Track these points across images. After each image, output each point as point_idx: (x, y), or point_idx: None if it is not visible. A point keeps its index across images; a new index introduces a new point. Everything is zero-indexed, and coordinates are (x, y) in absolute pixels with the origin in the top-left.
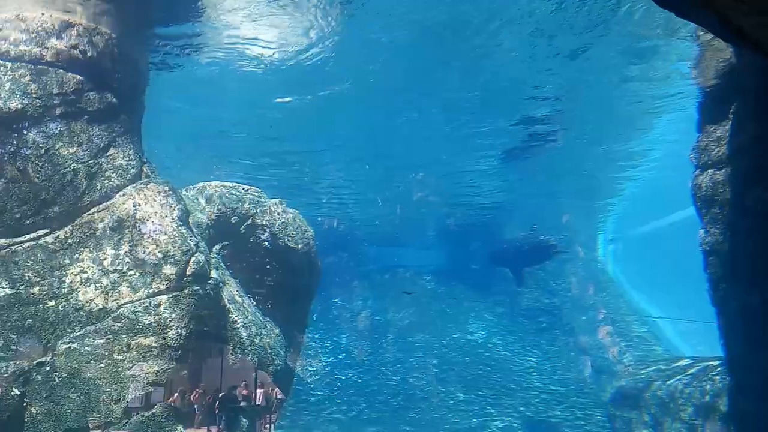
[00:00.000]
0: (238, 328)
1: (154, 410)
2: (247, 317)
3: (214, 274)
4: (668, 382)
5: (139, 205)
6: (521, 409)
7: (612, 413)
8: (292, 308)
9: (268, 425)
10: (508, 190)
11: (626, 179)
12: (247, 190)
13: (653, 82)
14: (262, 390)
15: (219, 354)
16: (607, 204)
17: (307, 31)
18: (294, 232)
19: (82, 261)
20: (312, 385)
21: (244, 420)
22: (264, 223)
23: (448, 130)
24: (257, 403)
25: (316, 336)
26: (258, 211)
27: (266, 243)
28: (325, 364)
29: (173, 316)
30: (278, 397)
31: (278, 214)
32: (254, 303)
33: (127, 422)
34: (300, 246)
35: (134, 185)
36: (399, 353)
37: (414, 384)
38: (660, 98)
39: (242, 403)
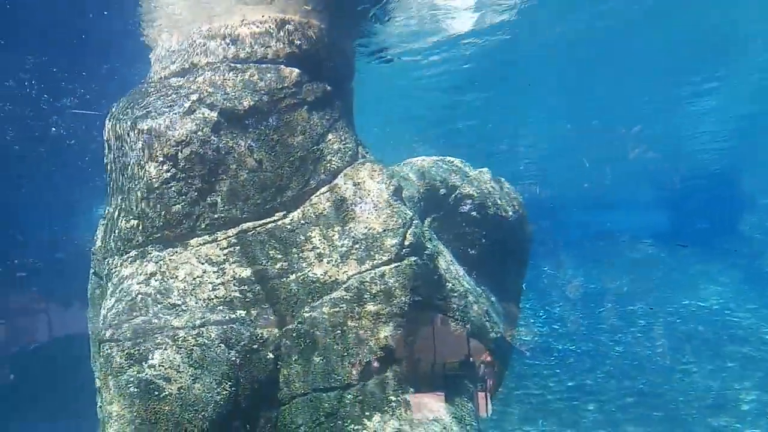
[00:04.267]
0: (455, 296)
1: (387, 374)
2: (463, 286)
3: (428, 245)
4: None
5: (358, 184)
6: None
7: None
8: (505, 277)
9: (486, 394)
10: (741, 136)
11: None
12: (452, 162)
13: None
14: (480, 359)
15: (438, 322)
16: None
17: None
18: (502, 200)
19: (314, 238)
20: (528, 355)
21: (469, 386)
22: (471, 193)
23: (669, 80)
24: (479, 372)
25: (527, 306)
26: (465, 181)
27: (474, 212)
28: (539, 333)
29: (397, 285)
30: (496, 367)
31: (485, 183)
32: (466, 273)
33: (364, 384)
34: (509, 214)
35: (352, 166)
36: (620, 322)
37: (639, 354)
38: None
39: (466, 372)
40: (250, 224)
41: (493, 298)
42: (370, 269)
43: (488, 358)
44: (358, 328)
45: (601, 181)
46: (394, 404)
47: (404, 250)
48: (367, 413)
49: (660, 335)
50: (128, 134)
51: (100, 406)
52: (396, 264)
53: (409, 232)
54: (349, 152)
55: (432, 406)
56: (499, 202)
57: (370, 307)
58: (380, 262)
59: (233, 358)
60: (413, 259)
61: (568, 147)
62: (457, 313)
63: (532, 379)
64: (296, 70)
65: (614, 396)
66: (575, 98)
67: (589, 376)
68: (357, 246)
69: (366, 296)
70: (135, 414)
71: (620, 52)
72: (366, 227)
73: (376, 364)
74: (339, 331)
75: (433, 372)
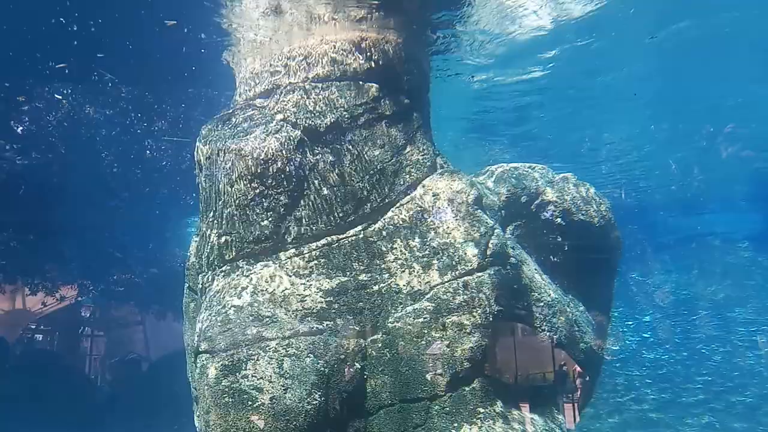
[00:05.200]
0: (541, 306)
1: (474, 385)
2: (549, 295)
3: (511, 253)
4: None
5: (438, 195)
6: None
7: None
8: (592, 285)
9: (574, 406)
10: None
11: None
12: (533, 167)
13: None
14: (569, 370)
15: (524, 332)
16: None
17: None
18: (587, 206)
19: (396, 249)
20: (618, 366)
21: (558, 397)
22: (554, 199)
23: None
24: (568, 383)
25: (615, 314)
26: (547, 187)
27: (559, 219)
28: (630, 343)
29: (480, 295)
30: (586, 378)
31: (569, 188)
32: (552, 281)
33: (451, 395)
34: (596, 220)
35: (431, 177)
36: (717, 331)
37: (740, 365)
38: None
39: (555, 383)
40: (333, 237)
41: (581, 307)
42: (453, 279)
43: (577, 369)
44: (443, 339)
45: (691, 182)
46: (482, 415)
47: (486, 259)
48: (455, 424)
49: (763, 344)
50: (218, 154)
51: (198, 415)
52: (478, 274)
53: (490, 241)
54: (428, 163)
55: (520, 417)
56: (584, 207)
57: (454, 317)
58: (463, 272)
59: (322, 369)
60: (496, 268)
61: (654, 148)
62: (544, 323)
63: (624, 391)
64: (374, 86)
65: (714, 410)
66: (661, 98)
67: (685, 388)
68: (438, 256)
69: (450, 306)
70: (230, 423)
71: (710, 49)
72: (447, 237)
73: (462, 375)
74: (424, 342)
75: (521, 383)
